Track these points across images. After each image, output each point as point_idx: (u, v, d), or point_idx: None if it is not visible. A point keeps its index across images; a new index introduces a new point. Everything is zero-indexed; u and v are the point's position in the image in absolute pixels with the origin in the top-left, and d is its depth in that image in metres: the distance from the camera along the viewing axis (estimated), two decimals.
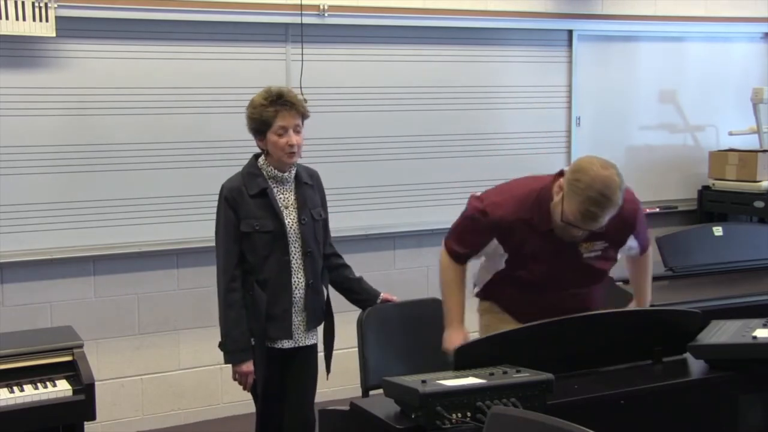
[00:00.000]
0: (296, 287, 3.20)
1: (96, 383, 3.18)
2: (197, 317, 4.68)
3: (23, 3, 4.06)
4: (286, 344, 3.21)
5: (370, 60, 4.97)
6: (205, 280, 4.46)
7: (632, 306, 3.20)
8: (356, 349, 3.28)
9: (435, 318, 3.10)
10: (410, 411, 2.20)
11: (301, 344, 3.24)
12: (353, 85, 4.95)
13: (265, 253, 3.14)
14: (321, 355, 3.37)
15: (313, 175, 3.34)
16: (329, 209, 3.41)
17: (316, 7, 4.75)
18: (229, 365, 3.20)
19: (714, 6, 5.88)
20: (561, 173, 2.78)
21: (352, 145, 4.97)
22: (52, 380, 3.15)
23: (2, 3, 4.02)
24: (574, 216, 2.65)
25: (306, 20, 4.71)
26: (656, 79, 5.85)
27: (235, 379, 3.22)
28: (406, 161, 5.11)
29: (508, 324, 2.88)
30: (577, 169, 2.67)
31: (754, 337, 2.60)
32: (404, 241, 5.19)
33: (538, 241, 2.81)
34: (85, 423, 3.18)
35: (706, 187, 5.89)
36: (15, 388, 3.09)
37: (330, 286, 3.41)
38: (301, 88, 4.57)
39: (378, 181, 5.04)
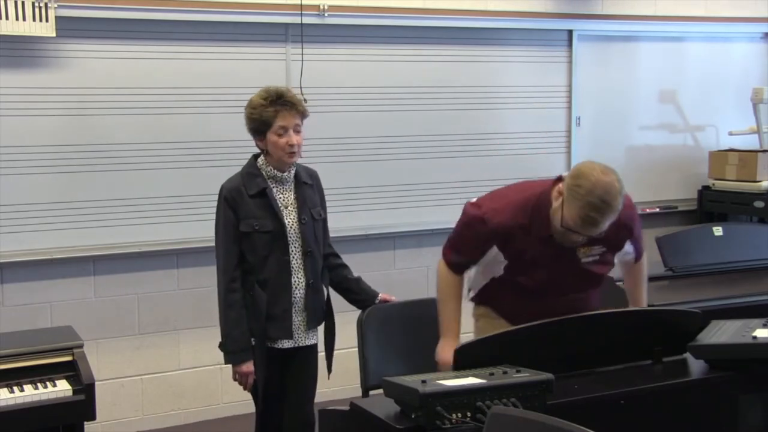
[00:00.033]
0: (296, 287, 3.20)
1: (96, 383, 3.18)
2: (197, 317, 4.68)
3: (23, 3, 4.06)
4: (286, 344, 3.21)
5: (370, 60, 4.97)
6: (205, 280, 4.46)
7: None
8: (356, 349, 3.27)
9: (435, 318, 3.09)
10: (410, 411, 2.20)
11: (301, 344, 3.24)
12: (353, 85, 4.94)
13: (265, 253, 3.14)
14: (321, 355, 3.37)
15: (313, 175, 3.34)
16: (329, 209, 3.41)
17: (316, 7, 4.75)
18: (230, 365, 3.20)
19: (714, 6, 5.88)
20: (559, 178, 2.77)
21: (352, 145, 4.97)
22: (52, 380, 3.15)
23: (2, 3, 4.02)
24: (574, 221, 2.64)
25: (306, 20, 4.72)
26: (656, 79, 5.85)
27: (235, 380, 3.21)
28: (406, 161, 5.11)
29: (503, 328, 2.86)
30: (577, 175, 2.66)
31: (754, 337, 2.60)
32: (404, 241, 5.19)
33: (537, 247, 2.79)
34: (85, 423, 3.18)
35: (706, 187, 5.89)
36: (15, 388, 3.09)
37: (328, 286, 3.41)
38: (301, 88, 4.57)
39: (378, 181, 5.04)
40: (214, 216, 3.22)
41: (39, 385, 3.12)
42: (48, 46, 4.26)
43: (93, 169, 4.40)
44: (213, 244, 3.23)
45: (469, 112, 5.26)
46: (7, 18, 4.03)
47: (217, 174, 3.62)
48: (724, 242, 4.45)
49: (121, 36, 4.40)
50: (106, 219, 4.43)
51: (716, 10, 5.89)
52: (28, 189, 4.28)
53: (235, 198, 3.14)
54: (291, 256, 3.18)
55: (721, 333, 2.71)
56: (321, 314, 3.33)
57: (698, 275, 4.31)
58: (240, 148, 3.66)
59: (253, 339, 3.16)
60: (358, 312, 3.35)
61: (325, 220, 3.35)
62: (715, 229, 4.55)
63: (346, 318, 3.44)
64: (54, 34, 4.15)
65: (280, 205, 3.18)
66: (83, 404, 3.12)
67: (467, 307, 3.09)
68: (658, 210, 5.87)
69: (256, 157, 3.24)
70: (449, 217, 4.98)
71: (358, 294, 3.42)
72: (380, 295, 3.41)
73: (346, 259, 3.49)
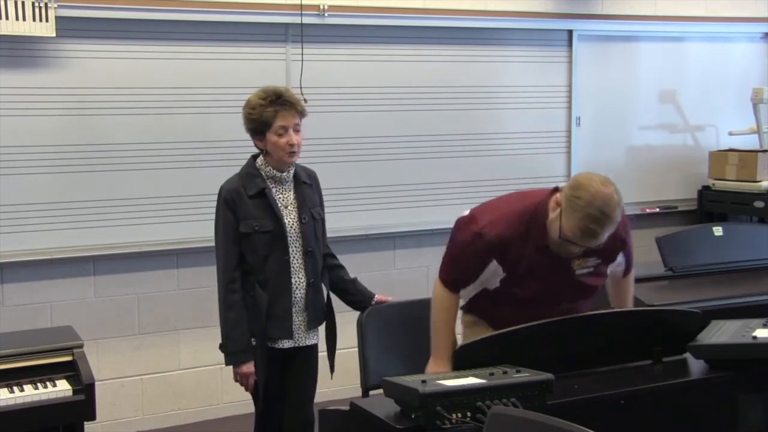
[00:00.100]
0: (297, 287, 3.20)
1: (96, 383, 3.18)
2: (197, 317, 4.68)
3: (23, 3, 4.06)
4: (287, 344, 3.21)
5: (370, 60, 4.97)
6: (205, 280, 4.46)
7: None
8: (356, 349, 3.28)
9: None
10: (410, 411, 2.20)
11: (301, 344, 3.24)
12: (353, 85, 4.94)
13: (265, 253, 3.14)
14: (322, 355, 3.37)
15: (312, 175, 3.34)
16: (329, 209, 3.41)
17: (316, 7, 4.75)
18: (230, 366, 3.20)
19: (714, 6, 5.88)
20: (556, 189, 2.75)
21: (352, 145, 4.97)
22: (52, 380, 3.15)
23: (2, 3, 4.02)
24: (573, 233, 2.62)
25: (306, 20, 4.72)
26: (656, 79, 5.85)
27: (236, 381, 3.21)
28: (406, 161, 5.11)
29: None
30: (576, 186, 2.64)
31: (754, 337, 2.60)
32: (404, 241, 5.19)
33: (533, 258, 2.76)
34: (85, 423, 3.18)
35: (706, 187, 5.89)
36: (15, 388, 3.09)
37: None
38: (301, 88, 4.57)
39: (378, 181, 5.04)
40: (213, 216, 3.22)
41: (39, 385, 3.12)
42: (48, 46, 4.26)
43: (93, 169, 4.40)
44: (213, 244, 3.23)
45: (469, 112, 5.26)
46: (7, 18, 4.04)
47: (217, 174, 3.62)
48: (724, 242, 4.45)
49: (121, 36, 4.40)
50: (106, 219, 4.43)
51: (716, 10, 5.89)
52: (28, 189, 4.28)
53: (235, 199, 3.14)
54: (291, 256, 3.18)
55: (721, 333, 2.71)
56: (321, 314, 3.33)
57: (698, 275, 4.31)
58: (240, 148, 3.65)
59: (253, 339, 3.16)
60: (358, 312, 3.35)
61: (323, 220, 3.35)
62: (715, 229, 4.55)
63: (346, 318, 3.45)
64: (54, 34, 4.15)
65: (279, 205, 3.18)
66: (83, 404, 3.12)
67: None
68: (658, 210, 5.87)
69: (255, 157, 3.24)
70: (449, 217, 4.97)
71: (354, 295, 3.42)
72: (376, 296, 3.41)
73: (346, 259, 3.49)
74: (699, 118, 6.04)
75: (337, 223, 4.64)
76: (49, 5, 4.11)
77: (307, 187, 3.28)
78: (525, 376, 2.28)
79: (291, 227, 3.18)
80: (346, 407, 2.43)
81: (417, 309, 3.34)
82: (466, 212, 2.92)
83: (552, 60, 5.47)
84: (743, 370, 2.60)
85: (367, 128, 5.00)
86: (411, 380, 2.25)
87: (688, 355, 2.70)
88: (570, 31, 5.49)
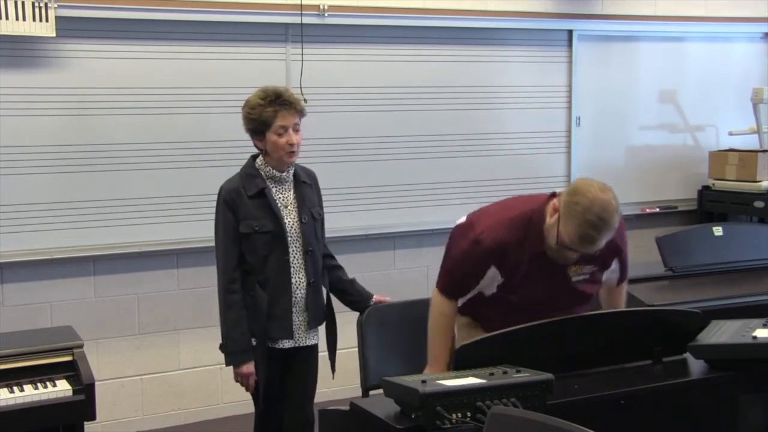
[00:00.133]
0: (297, 287, 3.20)
1: (96, 383, 3.18)
2: (197, 317, 4.68)
3: (23, 3, 4.06)
4: (287, 344, 3.21)
5: (370, 60, 4.97)
6: (205, 280, 4.46)
7: None
8: (356, 349, 3.28)
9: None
10: (410, 411, 2.20)
11: (302, 344, 3.24)
12: (353, 85, 4.94)
13: (265, 253, 3.14)
14: (322, 355, 3.37)
15: (311, 175, 3.35)
16: (329, 209, 3.42)
17: (316, 7, 4.75)
18: (230, 366, 3.20)
19: (714, 6, 5.88)
20: (553, 194, 2.74)
21: (352, 145, 4.97)
22: (52, 380, 3.15)
23: (2, 3, 4.02)
24: (570, 239, 2.61)
25: (306, 20, 4.71)
26: (656, 79, 5.85)
27: (236, 381, 3.21)
28: (406, 161, 5.11)
29: None
30: (574, 192, 2.62)
31: (754, 337, 2.60)
32: (404, 241, 5.19)
33: (529, 264, 2.75)
34: (85, 423, 3.18)
35: (706, 187, 5.89)
36: (15, 388, 3.09)
37: None
38: (301, 88, 4.57)
39: (378, 181, 5.04)
40: (213, 216, 3.22)
41: (39, 385, 3.12)
42: (48, 46, 4.26)
43: (93, 169, 4.40)
44: (213, 244, 3.23)
45: (469, 112, 5.26)
46: (7, 18, 4.04)
47: (217, 174, 3.62)
48: (724, 242, 4.45)
49: (121, 36, 4.40)
50: (106, 219, 4.43)
51: (716, 10, 5.89)
52: (28, 189, 4.28)
53: (234, 199, 3.14)
54: (291, 256, 3.18)
55: (721, 333, 2.71)
56: (321, 314, 3.33)
57: (698, 275, 4.31)
58: (240, 148, 3.65)
59: (254, 339, 3.16)
60: (358, 312, 3.36)
61: (323, 220, 3.35)
62: (715, 229, 4.55)
63: (346, 318, 3.45)
64: (54, 34, 4.15)
65: (279, 205, 3.18)
66: (83, 404, 3.12)
67: None
68: (658, 210, 5.87)
69: (254, 157, 3.24)
70: (449, 217, 4.99)
71: (352, 295, 3.42)
72: (374, 296, 3.41)
73: (346, 259, 3.49)
74: (699, 118, 6.04)
75: (337, 223, 4.64)
76: (49, 5, 4.11)
77: (306, 186, 3.28)
78: (525, 376, 2.28)
79: (291, 227, 3.18)
80: (346, 407, 2.43)
81: (417, 309, 3.34)
82: (463, 219, 2.91)
83: (552, 60, 5.47)
84: (743, 370, 2.60)
85: (367, 128, 5.00)
86: (411, 380, 2.25)
87: (688, 355, 2.70)
88: (570, 31, 5.49)
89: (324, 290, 3.35)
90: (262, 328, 3.16)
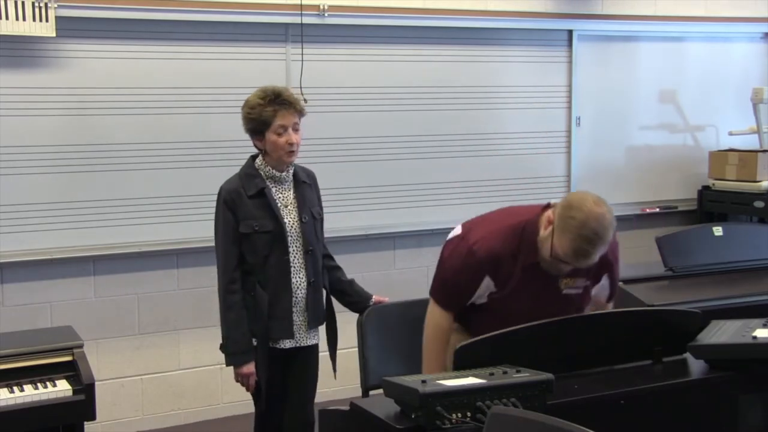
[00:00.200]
0: (297, 287, 3.20)
1: (96, 383, 3.17)
2: (197, 317, 4.68)
3: (23, 3, 4.06)
4: (288, 344, 3.21)
5: (370, 60, 4.97)
6: (205, 280, 4.46)
7: None
8: (356, 349, 3.28)
9: None
10: (410, 411, 2.20)
11: (302, 344, 3.24)
12: (353, 85, 4.94)
13: (265, 253, 3.14)
14: (322, 355, 3.37)
15: (311, 175, 3.35)
16: (329, 209, 3.42)
17: (316, 7, 4.75)
18: (230, 366, 3.20)
19: (714, 6, 5.88)
20: (547, 206, 2.74)
21: (352, 145, 4.97)
22: (52, 380, 3.15)
23: (2, 3, 4.02)
24: (565, 252, 2.60)
25: (306, 20, 4.71)
26: (656, 79, 5.85)
27: (237, 381, 3.21)
28: (406, 161, 5.11)
29: None
30: (569, 206, 2.61)
31: (754, 337, 2.60)
32: (404, 241, 5.19)
33: (522, 274, 2.75)
34: (85, 423, 3.18)
35: (706, 187, 5.89)
36: (15, 388, 3.09)
37: None
38: (301, 88, 4.57)
39: (378, 181, 5.04)
40: (213, 216, 3.22)
41: (39, 385, 3.12)
42: (48, 46, 4.26)
43: (93, 169, 4.40)
44: (213, 244, 3.23)
45: (469, 112, 5.26)
46: (7, 18, 4.04)
47: (217, 174, 3.62)
48: (724, 242, 4.46)
49: (121, 36, 4.40)
50: (106, 219, 4.43)
51: (716, 10, 5.89)
52: (28, 189, 4.28)
53: (234, 199, 3.14)
54: (291, 256, 3.18)
55: (721, 333, 2.71)
56: (322, 314, 3.33)
57: (698, 275, 4.31)
58: (240, 148, 3.65)
59: (254, 339, 3.16)
60: (357, 313, 3.36)
61: (323, 220, 3.35)
62: (715, 229, 4.55)
63: (346, 318, 3.45)
64: (54, 34, 4.15)
65: (279, 204, 3.18)
66: (83, 404, 3.12)
67: None
68: (658, 210, 5.87)
69: (254, 158, 3.24)
70: (449, 217, 5.02)
71: (351, 296, 3.42)
72: (374, 297, 3.41)
73: (346, 259, 3.49)
74: (699, 118, 6.04)
75: (337, 223, 4.64)
76: (49, 5, 4.11)
77: (306, 186, 3.28)
78: (525, 376, 2.28)
79: (291, 227, 3.18)
80: (346, 407, 2.43)
81: (417, 309, 3.34)
82: (458, 230, 2.89)
83: (552, 60, 5.47)
84: (743, 370, 2.60)
85: (367, 128, 5.00)
86: (411, 380, 2.25)
87: (688, 355, 2.70)
88: (570, 31, 5.49)
89: (324, 290, 3.35)
90: (263, 328, 3.15)
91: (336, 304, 3.42)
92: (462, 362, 2.46)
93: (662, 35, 5.80)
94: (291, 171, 3.24)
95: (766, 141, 5.81)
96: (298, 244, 3.20)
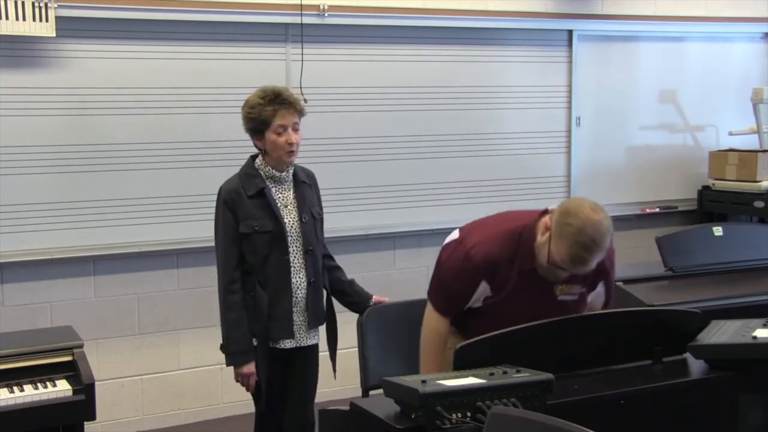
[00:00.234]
0: (297, 287, 3.20)
1: (96, 383, 3.17)
2: (197, 317, 4.68)
3: (23, 3, 4.06)
4: (288, 344, 3.21)
5: (370, 60, 4.97)
6: (205, 280, 4.46)
7: None
8: (356, 349, 3.28)
9: None
10: (410, 411, 2.20)
11: (302, 344, 3.24)
12: (353, 85, 4.94)
13: (265, 253, 3.14)
14: (322, 355, 3.37)
15: (310, 175, 3.35)
16: (329, 209, 3.42)
17: (316, 7, 4.75)
18: (230, 366, 3.20)
19: (714, 6, 5.89)
20: (545, 211, 2.73)
21: (352, 145, 4.97)
22: (52, 380, 3.15)
23: (2, 3, 4.02)
24: (562, 259, 2.60)
25: (306, 20, 4.71)
26: (656, 79, 5.85)
27: (237, 381, 3.21)
28: (406, 161, 5.11)
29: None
30: (566, 212, 2.61)
31: (754, 337, 2.60)
32: (404, 241, 5.19)
33: (518, 279, 2.75)
34: (85, 423, 3.18)
35: (706, 187, 5.89)
36: (15, 388, 3.09)
37: None
38: (301, 88, 4.57)
39: (378, 181, 5.04)
40: (214, 216, 3.22)
41: (39, 385, 3.12)
42: (48, 46, 4.26)
43: (93, 169, 4.40)
44: (213, 244, 3.23)
45: (469, 112, 5.26)
46: (7, 18, 4.04)
47: (217, 174, 3.62)
48: (724, 242, 4.46)
49: (121, 36, 4.40)
50: (106, 219, 4.43)
51: (716, 10, 5.89)
52: (28, 189, 4.28)
53: (234, 200, 3.14)
54: (291, 256, 3.18)
55: (721, 333, 2.71)
56: (322, 314, 3.33)
57: (698, 275, 4.31)
58: (240, 148, 3.66)
59: (255, 339, 3.16)
60: (357, 313, 3.36)
61: (323, 220, 3.35)
62: (715, 229, 4.55)
63: (346, 318, 3.45)
64: (54, 34, 4.15)
65: (279, 204, 3.18)
66: (83, 404, 3.12)
67: None
68: (658, 210, 5.87)
69: (253, 158, 3.24)
70: (449, 217, 5.02)
71: (351, 296, 3.42)
72: (374, 297, 3.41)
73: (346, 259, 3.49)
74: (699, 118, 6.04)
75: (337, 223, 4.64)
76: (49, 5, 4.11)
77: (306, 186, 3.28)
78: (525, 376, 2.28)
79: (291, 227, 3.18)
80: (346, 407, 2.43)
81: (417, 309, 3.34)
82: (455, 235, 2.89)
83: (552, 60, 5.47)
84: (743, 370, 2.60)
85: (367, 128, 5.00)
86: (411, 380, 2.25)
87: (688, 355, 2.70)
88: (570, 31, 5.49)
89: (325, 290, 3.35)
90: (263, 328, 3.15)
91: (336, 304, 3.42)
92: (462, 362, 2.46)
93: (662, 35, 5.80)
94: (291, 171, 3.24)
95: (766, 141, 5.81)
96: (298, 244, 3.20)
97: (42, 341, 3.31)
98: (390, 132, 5.05)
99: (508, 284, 2.76)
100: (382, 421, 2.25)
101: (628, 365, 2.68)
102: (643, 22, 5.67)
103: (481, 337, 2.59)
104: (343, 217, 4.84)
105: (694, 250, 4.41)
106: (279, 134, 3.12)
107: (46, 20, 4.11)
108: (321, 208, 3.36)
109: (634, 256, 5.43)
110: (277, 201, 3.18)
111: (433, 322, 2.87)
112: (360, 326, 3.29)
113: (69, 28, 4.23)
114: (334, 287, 3.41)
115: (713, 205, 5.83)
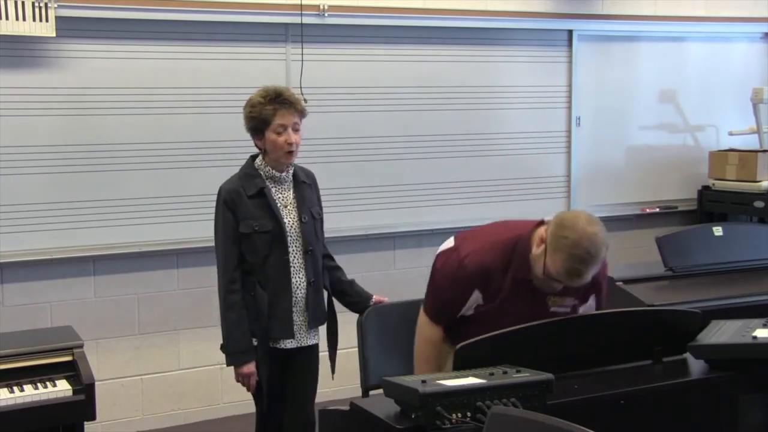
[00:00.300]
0: (297, 287, 3.20)
1: (96, 383, 3.17)
2: (197, 317, 4.68)
3: (23, 3, 4.06)
4: (289, 344, 3.21)
5: (370, 60, 4.97)
6: (205, 280, 4.46)
7: None
8: (356, 349, 3.28)
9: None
10: (410, 411, 2.20)
11: (303, 344, 3.24)
12: (353, 85, 4.94)
13: (265, 252, 3.14)
14: (322, 355, 3.37)
15: (310, 175, 3.35)
16: (329, 209, 3.41)
17: (316, 7, 4.75)
18: (231, 366, 3.20)
19: (714, 6, 5.89)
20: (541, 222, 2.73)
21: (352, 145, 4.97)
22: (52, 380, 3.15)
23: (2, 3, 4.02)
24: (557, 271, 2.60)
25: (306, 20, 4.71)
26: (656, 79, 5.85)
27: (237, 381, 3.21)
28: (406, 161, 5.11)
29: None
30: (562, 225, 2.61)
31: (754, 337, 2.60)
32: (404, 241, 5.19)
33: (510, 289, 2.75)
34: (85, 423, 3.18)
35: (706, 187, 5.89)
36: (15, 388, 3.09)
37: None
38: (301, 88, 4.57)
39: (378, 181, 5.04)
40: (213, 216, 3.22)
41: (39, 385, 3.12)
42: (48, 46, 4.26)
43: (93, 169, 4.40)
44: (213, 244, 3.23)
45: (469, 112, 5.26)
46: (7, 18, 4.04)
47: (217, 174, 3.63)
48: (724, 242, 4.45)
49: (121, 36, 4.40)
50: (106, 219, 4.43)
51: (716, 10, 5.89)
52: (28, 189, 4.28)
53: (234, 199, 3.14)
54: (291, 256, 3.18)
55: (721, 333, 2.71)
56: (322, 314, 3.33)
57: (698, 275, 4.30)
58: (240, 148, 3.66)
59: (255, 339, 3.16)
60: (357, 313, 3.36)
61: (323, 220, 3.35)
62: (715, 229, 4.54)
63: (346, 318, 3.45)
64: (54, 34, 4.15)
65: (279, 204, 3.18)
66: (83, 404, 3.12)
67: None
68: (658, 210, 5.87)
69: (253, 158, 3.25)
70: (449, 217, 5.03)
71: (351, 296, 3.42)
72: (374, 297, 3.41)
73: (346, 259, 3.49)
74: (699, 118, 6.04)
75: (337, 223, 4.64)
76: (49, 5, 4.11)
77: (306, 186, 3.28)
78: (525, 376, 2.28)
79: (291, 227, 3.18)
80: (346, 407, 2.43)
81: (417, 309, 3.34)
82: (450, 242, 2.89)
83: (552, 60, 5.47)
84: (743, 370, 2.60)
85: (367, 128, 5.00)
86: (411, 380, 2.25)
87: (688, 355, 2.70)
88: (570, 31, 5.50)
89: (324, 290, 3.35)
90: (263, 328, 3.15)
91: (337, 304, 3.42)
92: (462, 362, 2.46)
93: (662, 35, 5.80)
94: (291, 171, 3.24)
95: (766, 141, 5.81)
96: (297, 244, 3.20)
97: (42, 341, 3.30)
98: (390, 132, 5.06)
99: (501, 293, 2.76)
100: (382, 421, 2.25)
101: (628, 365, 2.68)
102: (643, 22, 5.68)
103: (481, 336, 2.60)
104: (343, 217, 4.84)
105: (694, 250, 4.40)
106: (279, 134, 3.12)
107: (46, 20, 4.11)
108: (321, 208, 3.36)
109: (634, 256, 5.43)
110: (276, 201, 3.18)
111: (426, 330, 2.88)
112: (360, 326, 3.29)
113: (69, 28, 4.23)
114: (334, 287, 3.41)
115: (713, 205, 5.82)
